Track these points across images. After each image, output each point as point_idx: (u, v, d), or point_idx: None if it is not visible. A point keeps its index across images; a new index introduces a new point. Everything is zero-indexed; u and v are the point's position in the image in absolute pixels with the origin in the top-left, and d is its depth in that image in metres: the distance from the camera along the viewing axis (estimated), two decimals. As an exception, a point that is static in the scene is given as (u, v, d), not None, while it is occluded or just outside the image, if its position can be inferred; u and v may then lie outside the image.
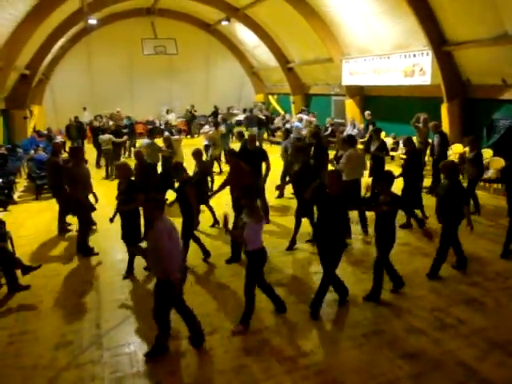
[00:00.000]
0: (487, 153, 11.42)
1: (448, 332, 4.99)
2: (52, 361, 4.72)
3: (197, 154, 8.41)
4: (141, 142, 12.74)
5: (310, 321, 5.28)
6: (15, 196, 11.79)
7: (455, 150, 12.09)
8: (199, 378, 4.38)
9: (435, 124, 10.42)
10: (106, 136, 13.95)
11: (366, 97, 17.61)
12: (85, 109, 21.85)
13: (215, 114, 22.00)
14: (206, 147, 12.82)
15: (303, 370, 4.43)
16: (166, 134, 12.67)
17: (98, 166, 14.95)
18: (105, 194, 10.00)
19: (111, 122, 17.50)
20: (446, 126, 12.84)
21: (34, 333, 5.28)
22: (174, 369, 4.54)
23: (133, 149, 15.36)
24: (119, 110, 20.66)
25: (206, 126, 15.04)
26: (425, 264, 6.48)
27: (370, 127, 13.28)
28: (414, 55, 13.32)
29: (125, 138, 15.45)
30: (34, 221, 9.57)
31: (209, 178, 9.96)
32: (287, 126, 16.75)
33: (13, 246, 7.23)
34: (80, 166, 7.72)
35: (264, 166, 8.60)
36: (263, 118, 19.08)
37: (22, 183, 13.42)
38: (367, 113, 15.33)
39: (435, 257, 6.22)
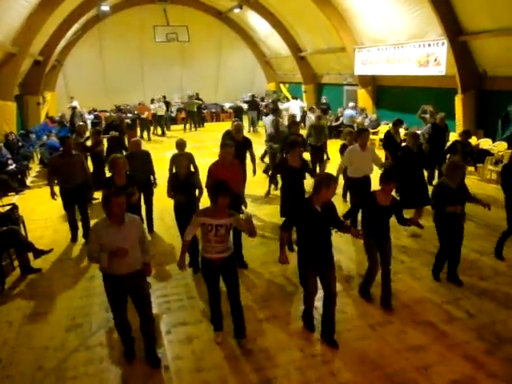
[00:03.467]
0: (501, 146, 11.28)
1: (456, 325, 4.98)
2: (63, 342, 4.82)
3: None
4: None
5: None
6: (28, 181, 11.93)
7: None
8: (206, 364, 4.42)
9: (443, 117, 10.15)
10: None
11: (379, 87, 17.45)
12: (72, 98, 21.47)
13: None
14: None
15: (309, 359, 4.46)
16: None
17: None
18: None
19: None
20: (459, 118, 12.69)
21: (46, 315, 5.38)
22: (181, 354, 4.59)
23: None
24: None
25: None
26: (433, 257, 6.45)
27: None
28: (429, 45, 13.10)
29: None
30: (46, 206, 9.66)
31: None
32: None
33: (25, 230, 7.35)
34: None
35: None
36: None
37: (34, 168, 13.55)
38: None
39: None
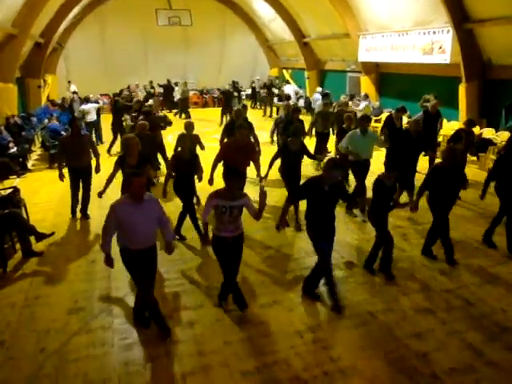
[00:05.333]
0: (504, 135, 11.21)
1: (456, 313, 5.01)
2: (64, 325, 4.84)
3: None
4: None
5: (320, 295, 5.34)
6: (29, 164, 11.90)
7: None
8: (207, 348, 4.45)
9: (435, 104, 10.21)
10: None
11: (382, 74, 17.32)
12: (70, 82, 21.28)
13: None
14: None
15: (310, 345, 4.49)
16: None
17: None
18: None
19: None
20: (463, 107, 12.61)
21: (48, 297, 5.40)
22: (182, 338, 4.62)
23: None
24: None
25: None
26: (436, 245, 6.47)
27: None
28: (434, 32, 12.96)
29: None
30: (47, 189, 9.68)
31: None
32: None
33: (27, 213, 7.35)
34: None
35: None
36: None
37: (35, 152, 13.51)
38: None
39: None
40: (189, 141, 7.15)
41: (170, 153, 8.63)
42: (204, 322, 4.87)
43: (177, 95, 20.21)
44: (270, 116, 19.75)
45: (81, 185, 7.83)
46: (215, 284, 5.57)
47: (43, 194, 9.42)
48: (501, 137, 11.17)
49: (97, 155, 7.91)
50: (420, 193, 6.07)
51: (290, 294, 5.44)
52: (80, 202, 7.95)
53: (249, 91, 23.88)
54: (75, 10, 19.46)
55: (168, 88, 21.44)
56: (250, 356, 4.34)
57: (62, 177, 7.66)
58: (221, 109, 18.44)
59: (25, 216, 7.09)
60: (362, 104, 15.98)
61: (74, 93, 18.12)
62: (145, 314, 4.81)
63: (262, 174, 7.23)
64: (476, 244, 6.71)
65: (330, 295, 5.12)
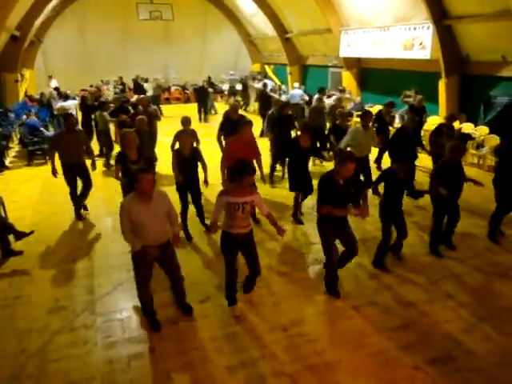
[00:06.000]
0: (483, 130, 11.41)
1: (437, 305, 5.10)
2: (46, 325, 4.78)
3: None
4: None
5: (303, 291, 5.36)
6: (7, 162, 11.66)
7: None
8: (191, 345, 4.45)
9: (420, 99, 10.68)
10: None
11: (364, 69, 17.41)
12: (50, 77, 20.78)
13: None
14: None
15: (295, 338, 4.52)
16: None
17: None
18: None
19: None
20: (442, 102, 12.78)
21: (29, 297, 5.32)
22: (167, 335, 4.60)
23: None
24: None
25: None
26: (418, 239, 6.55)
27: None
28: (415, 28, 13.08)
29: None
30: (26, 186, 9.51)
31: None
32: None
33: (5, 211, 7.19)
34: None
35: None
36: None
37: (13, 149, 13.24)
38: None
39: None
40: (188, 136, 7.10)
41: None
42: (188, 319, 4.86)
43: (148, 92, 19.77)
44: (245, 109, 20.09)
45: (80, 183, 7.66)
46: (199, 280, 5.58)
47: (22, 191, 9.25)
48: (479, 131, 11.36)
49: (91, 153, 7.80)
50: (432, 189, 5.99)
51: (273, 288, 5.45)
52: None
53: (225, 87, 23.80)
54: (53, 3, 19.05)
55: (136, 85, 20.91)
56: (234, 351, 4.34)
57: (55, 172, 7.44)
58: (196, 105, 18.36)
59: (3, 214, 6.94)
60: (333, 97, 16.17)
61: (56, 89, 17.75)
62: (155, 317, 4.78)
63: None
64: (454, 237, 6.78)
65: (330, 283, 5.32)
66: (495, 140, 10.42)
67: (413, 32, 13.18)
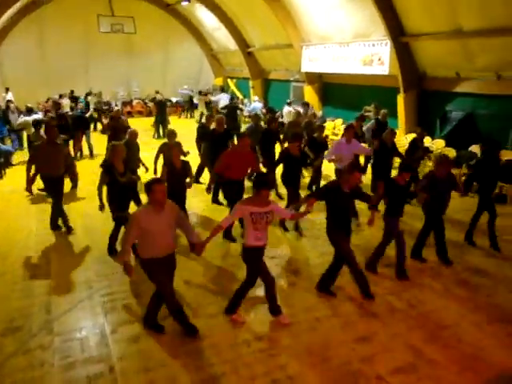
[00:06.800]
0: (439, 143, 11.83)
1: (398, 315, 5.18)
2: (-1, 347, 4.55)
3: None
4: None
5: (263, 306, 5.33)
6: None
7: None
8: (153, 363, 4.33)
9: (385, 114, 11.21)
10: None
11: (325, 84, 17.77)
12: (7, 89, 19.95)
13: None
14: None
15: (257, 354, 4.48)
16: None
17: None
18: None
19: None
20: (401, 116, 13.19)
21: (-20, 318, 5.06)
22: (127, 354, 4.47)
23: None
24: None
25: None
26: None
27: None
28: (373, 44, 13.50)
29: None
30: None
31: None
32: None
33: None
34: None
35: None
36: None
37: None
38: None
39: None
40: (179, 149, 7.33)
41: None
42: (150, 336, 4.74)
43: (90, 106, 19.12)
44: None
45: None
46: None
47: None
48: (436, 145, 11.77)
49: (71, 165, 7.77)
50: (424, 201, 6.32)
51: (237, 303, 5.40)
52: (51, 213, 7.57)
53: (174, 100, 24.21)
54: (9, 12, 18.52)
55: (73, 99, 19.69)
56: (197, 368, 4.26)
57: (30, 184, 7.26)
58: (154, 119, 17.86)
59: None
60: (255, 106, 17.42)
61: (9, 101, 17.13)
62: (157, 320, 4.82)
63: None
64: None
65: (363, 285, 5.50)
66: (451, 153, 10.81)
67: (372, 48, 13.59)
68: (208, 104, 20.36)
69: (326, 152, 8.75)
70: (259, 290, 5.65)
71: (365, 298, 5.46)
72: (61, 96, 18.95)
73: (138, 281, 5.89)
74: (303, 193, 8.01)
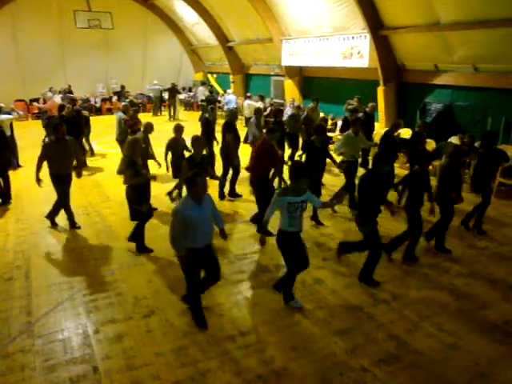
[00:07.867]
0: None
1: (381, 307, 5.23)
2: (-23, 352, 4.45)
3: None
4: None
5: (248, 301, 5.33)
6: None
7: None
8: (137, 361, 4.29)
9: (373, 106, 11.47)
10: None
11: (305, 78, 17.79)
12: None
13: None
14: None
15: (242, 349, 4.47)
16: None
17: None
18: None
19: None
20: (381, 109, 13.28)
21: (-43, 322, 4.94)
22: (110, 353, 4.42)
23: None
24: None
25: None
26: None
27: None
28: (353, 37, 13.55)
29: None
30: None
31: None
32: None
33: None
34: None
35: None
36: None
37: None
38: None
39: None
40: (199, 143, 7.22)
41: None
42: (133, 335, 4.69)
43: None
44: (174, 118, 20.40)
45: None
46: (144, 294, 5.42)
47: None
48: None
49: (81, 163, 7.83)
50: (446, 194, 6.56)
51: (219, 299, 5.38)
52: (53, 206, 7.55)
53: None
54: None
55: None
56: (182, 366, 4.23)
57: (39, 181, 7.21)
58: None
59: None
60: (230, 98, 18.02)
61: None
62: (203, 314, 4.87)
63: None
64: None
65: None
66: (431, 144, 10.93)
67: (351, 41, 13.63)
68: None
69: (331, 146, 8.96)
70: (242, 284, 5.66)
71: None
72: (51, 90, 18.46)
73: (119, 279, 5.86)
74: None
